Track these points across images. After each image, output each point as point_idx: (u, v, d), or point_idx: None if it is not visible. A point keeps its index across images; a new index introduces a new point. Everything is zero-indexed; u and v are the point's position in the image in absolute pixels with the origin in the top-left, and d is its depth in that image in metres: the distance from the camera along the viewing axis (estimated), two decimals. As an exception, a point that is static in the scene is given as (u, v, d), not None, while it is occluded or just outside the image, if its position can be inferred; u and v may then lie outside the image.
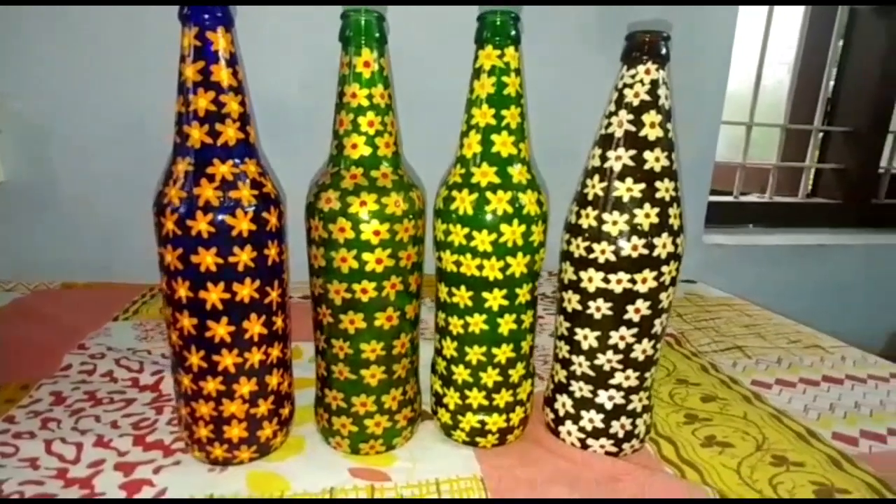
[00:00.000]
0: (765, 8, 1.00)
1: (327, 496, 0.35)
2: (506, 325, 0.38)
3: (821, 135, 1.12)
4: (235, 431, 0.36)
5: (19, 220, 0.73)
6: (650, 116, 0.35)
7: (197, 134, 0.33)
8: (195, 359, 0.34)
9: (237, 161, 0.34)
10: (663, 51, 0.35)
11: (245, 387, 0.36)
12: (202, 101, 0.32)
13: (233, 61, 0.33)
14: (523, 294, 0.38)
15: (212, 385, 0.35)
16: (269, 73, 0.66)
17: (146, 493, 0.34)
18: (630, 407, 0.39)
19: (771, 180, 1.10)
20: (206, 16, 0.32)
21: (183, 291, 0.33)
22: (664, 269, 0.36)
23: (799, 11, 1.05)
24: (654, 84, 0.35)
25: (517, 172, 0.36)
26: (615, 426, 0.39)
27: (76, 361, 0.50)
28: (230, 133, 0.33)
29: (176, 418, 0.42)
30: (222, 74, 0.32)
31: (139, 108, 0.70)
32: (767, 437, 0.43)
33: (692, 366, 0.56)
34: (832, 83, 1.09)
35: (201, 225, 0.32)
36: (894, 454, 0.42)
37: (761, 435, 0.43)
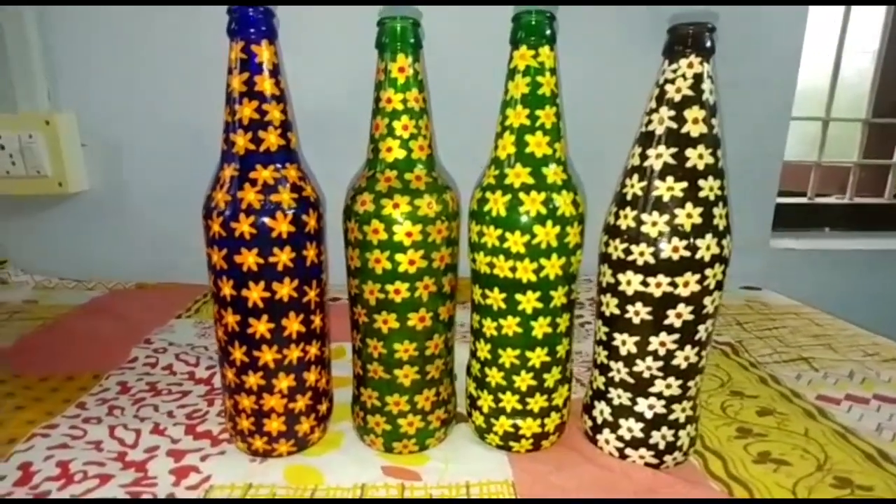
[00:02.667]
0: (842, -6, 0.93)
1: (358, 491, 0.35)
2: (540, 328, 0.37)
3: (909, 129, 1.02)
4: (275, 425, 0.38)
5: (101, 225, 0.80)
6: (693, 112, 0.34)
7: (241, 141, 0.34)
8: (238, 353, 0.36)
9: (278, 166, 0.35)
10: (708, 43, 0.34)
11: (283, 382, 0.37)
12: (247, 110, 0.34)
13: (275, 71, 0.35)
14: (558, 297, 0.37)
15: (253, 379, 0.37)
16: (312, 81, 0.69)
17: (192, 479, 0.36)
18: (672, 417, 0.37)
19: (851, 179, 1.01)
20: (252, 30, 0.34)
21: (227, 290, 0.35)
22: (708, 272, 0.34)
23: (882, -5, 0.96)
24: (698, 78, 0.34)
25: (552, 173, 0.36)
26: (656, 436, 0.38)
27: (142, 355, 0.54)
28: (272, 139, 0.35)
29: (223, 410, 0.45)
30: (265, 84, 0.34)
31: (198, 124, 0.75)
32: (830, 456, 0.40)
33: (750, 377, 0.52)
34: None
35: (244, 227, 0.34)
36: (983, 483, 0.37)
37: (823, 454, 0.40)
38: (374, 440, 0.40)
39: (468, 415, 0.42)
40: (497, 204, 0.36)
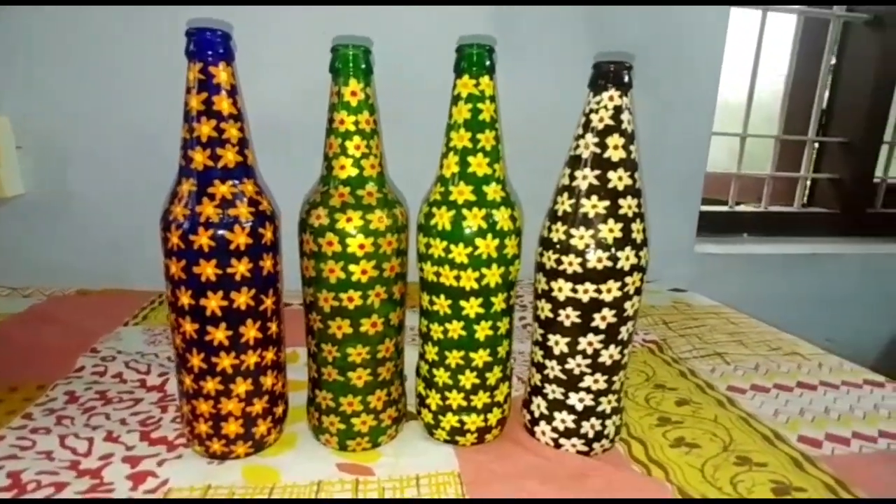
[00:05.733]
0: (758, 18, 1.02)
1: (315, 488, 0.38)
2: (482, 331, 0.41)
3: (816, 145, 1.13)
4: (232, 428, 0.39)
5: (38, 230, 0.78)
6: (613, 139, 0.38)
7: (200, 158, 0.36)
8: (196, 360, 0.38)
9: (236, 182, 0.37)
10: (626, 79, 0.38)
11: (241, 386, 0.39)
12: (205, 129, 0.36)
13: (233, 92, 0.37)
14: (498, 302, 0.41)
15: (211, 385, 0.38)
16: (269, 99, 0.70)
17: (150, 483, 0.37)
18: (599, 409, 0.42)
19: (766, 190, 1.12)
20: (210, 52, 0.36)
21: (186, 299, 0.37)
22: (628, 279, 0.39)
23: (792, 22, 1.07)
24: (618, 110, 0.38)
25: (492, 191, 0.40)
26: (585, 426, 0.42)
27: (89, 363, 0.54)
28: (230, 157, 0.37)
29: (179, 416, 0.46)
30: (223, 104, 0.36)
31: (149, 127, 0.74)
32: (734, 438, 0.46)
33: (671, 371, 0.58)
34: (826, 94, 1.11)
35: (203, 239, 0.36)
36: (854, 456, 0.44)
37: (729, 437, 0.46)
38: (329, 439, 0.42)
39: (417, 412, 0.45)
40: (443, 218, 0.39)
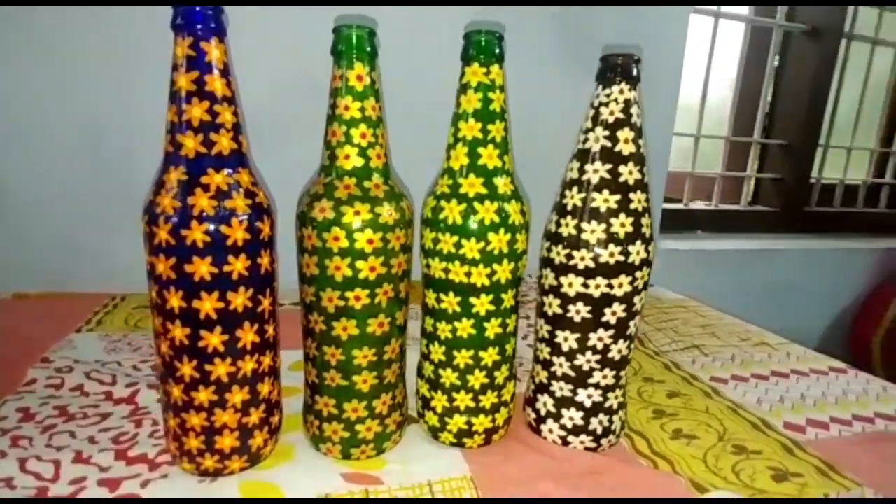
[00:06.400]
0: (710, 26, 1.07)
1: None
2: (492, 328, 0.39)
3: (759, 146, 1.20)
4: (227, 441, 0.36)
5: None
6: (624, 133, 0.38)
7: (191, 143, 0.33)
8: (187, 369, 0.34)
9: (230, 171, 0.34)
10: (634, 72, 0.38)
11: (237, 396, 0.36)
12: (196, 111, 0.32)
13: (226, 72, 0.33)
14: (508, 299, 0.40)
15: (204, 395, 0.35)
16: (247, 82, 0.66)
17: (136, 507, 0.34)
18: (607, 404, 0.42)
19: (716, 189, 1.17)
20: (200, 26, 0.32)
21: (175, 301, 0.33)
22: (638, 274, 0.39)
23: (740, 31, 1.13)
24: (628, 103, 0.38)
25: (502, 184, 0.38)
26: (594, 423, 0.42)
27: (41, 375, 0.48)
28: (224, 143, 0.33)
29: (157, 431, 0.42)
30: (216, 85, 0.33)
31: (93, 115, 0.68)
32: (727, 428, 0.47)
33: (656, 364, 0.59)
34: (769, 99, 1.18)
35: (196, 234, 0.32)
36: (837, 440, 0.46)
37: (722, 427, 0.47)
38: (330, 448, 0.39)
39: (419, 416, 0.44)
40: (453, 212, 0.38)
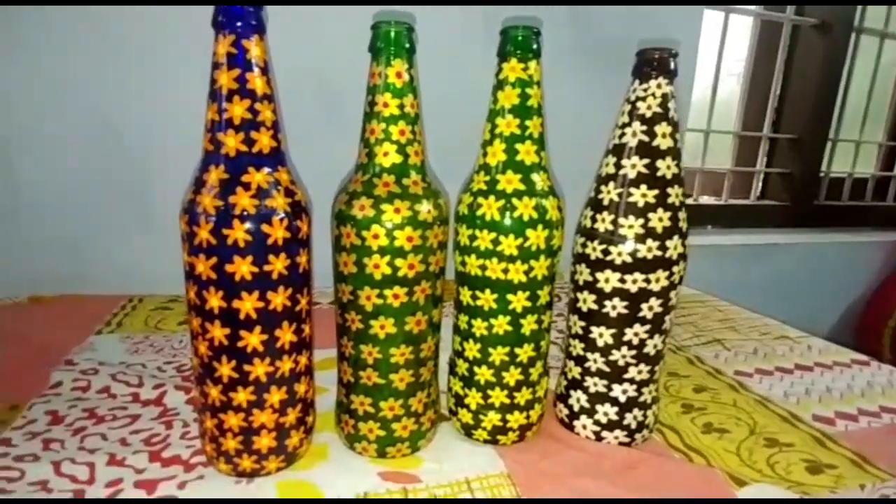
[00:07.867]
0: (720, 22, 1.07)
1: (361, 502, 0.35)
2: (528, 325, 0.39)
3: (768, 141, 1.20)
4: (265, 441, 0.36)
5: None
6: (662, 127, 0.38)
7: (232, 142, 0.32)
8: (226, 369, 0.34)
9: (270, 169, 0.34)
10: (672, 66, 0.38)
11: (275, 396, 0.35)
12: (238, 109, 0.32)
13: (266, 69, 0.33)
14: (544, 295, 0.40)
15: (242, 395, 0.34)
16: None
17: (178, 508, 0.33)
18: (642, 399, 0.42)
19: (726, 184, 1.17)
20: (241, 24, 0.32)
21: (216, 301, 0.33)
22: (675, 268, 0.39)
23: (749, 26, 1.13)
24: (665, 97, 0.38)
25: (539, 180, 0.38)
26: (629, 418, 0.42)
27: (67, 378, 0.48)
28: (265, 141, 0.33)
29: (188, 432, 0.41)
30: (257, 83, 0.32)
31: (107, 114, 0.67)
32: (757, 421, 0.47)
33: (679, 359, 0.59)
34: (778, 94, 1.18)
35: (238, 234, 0.32)
36: (867, 431, 0.46)
37: (752, 420, 0.47)
38: (366, 447, 0.39)
39: (451, 413, 0.43)
40: (491, 209, 0.37)
